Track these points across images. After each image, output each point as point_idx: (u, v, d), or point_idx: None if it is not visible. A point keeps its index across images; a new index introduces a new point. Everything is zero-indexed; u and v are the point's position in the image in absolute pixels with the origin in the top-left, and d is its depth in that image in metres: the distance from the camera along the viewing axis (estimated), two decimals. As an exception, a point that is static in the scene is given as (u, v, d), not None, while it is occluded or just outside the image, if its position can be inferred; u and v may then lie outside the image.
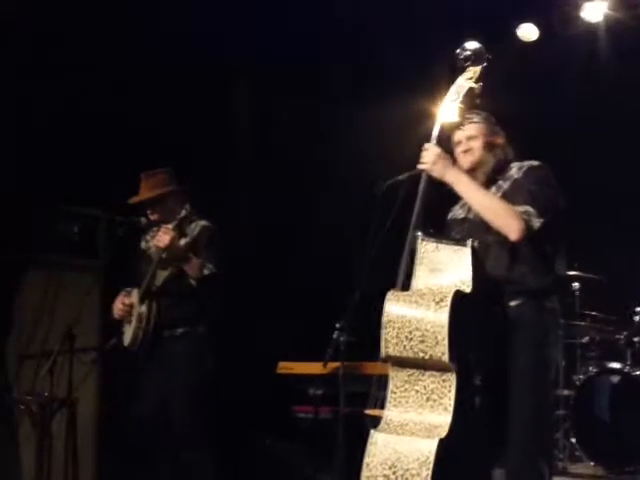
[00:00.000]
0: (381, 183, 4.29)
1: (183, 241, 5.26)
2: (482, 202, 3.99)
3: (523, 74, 6.94)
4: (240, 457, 6.66)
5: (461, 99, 4.00)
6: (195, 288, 5.22)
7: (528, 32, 7.29)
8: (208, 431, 5.35)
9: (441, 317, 3.64)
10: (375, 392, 4.01)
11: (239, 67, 7.46)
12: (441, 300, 3.68)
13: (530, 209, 3.92)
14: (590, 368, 6.48)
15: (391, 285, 3.97)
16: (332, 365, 6.22)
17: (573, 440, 6.22)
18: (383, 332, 3.74)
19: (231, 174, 7.33)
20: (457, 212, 4.26)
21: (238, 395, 6.85)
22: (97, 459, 6.56)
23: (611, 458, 6.03)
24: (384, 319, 3.74)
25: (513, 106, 5.65)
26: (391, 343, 3.72)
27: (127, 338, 5.38)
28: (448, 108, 4.02)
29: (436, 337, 3.64)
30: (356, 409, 6.10)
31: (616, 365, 6.35)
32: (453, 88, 4.04)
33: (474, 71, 4.02)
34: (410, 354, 3.68)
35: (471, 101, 4.03)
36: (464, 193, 4.03)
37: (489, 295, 3.94)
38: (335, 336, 4.71)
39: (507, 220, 3.91)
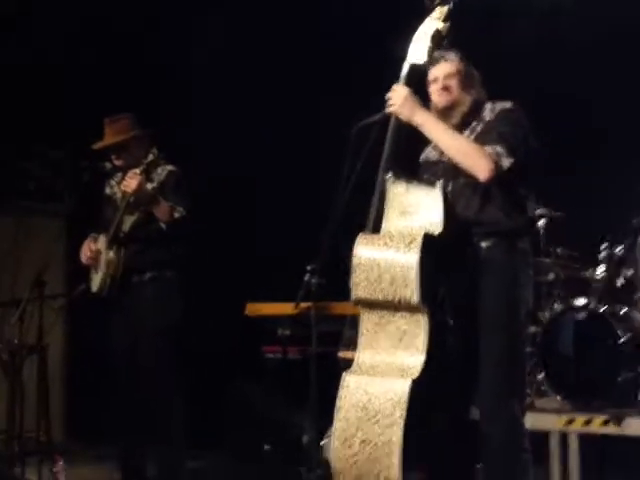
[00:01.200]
0: (354, 124, 4.24)
1: (150, 185, 5.23)
2: (450, 143, 3.98)
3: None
4: (209, 399, 6.70)
5: (429, 39, 3.97)
6: (164, 232, 5.20)
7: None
8: (177, 374, 5.37)
9: (410, 259, 3.65)
10: (347, 332, 4.03)
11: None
12: (410, 242, 3.68)
13: (499, 149, 3.91)
14: (555, 305, 6.51)
15: (362, 227, 4.00)
16: (301, 305, 6.29)
17: (540, 376, 6.27)
18: (353, 275, 3.74)
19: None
20: (430, 153, 4.25)
21: (207, 338, 6.87)
22: (66, 403, 6.58)
23: (577, 393, 6.07)
24: (354, 262, 3.74)
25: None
26: (361, 286, 3.73)
27: (95, 284, 5.38)
28: (416, 48, 3.99)
29: (405, 279, 3.64)
30: (327, 349, 6.22)
31: (581, 301, 6.39)
32: (421, 28, 4.01)
33: (441, 11, 3.98)
34: (380, 296, 3.70)
35: (439, 41, 3.99)
36: (432, 134, 4.02)
37: (460, 236, 3.94)
38: (306, 278, 4.70)
39: (476, 160, 3.91)
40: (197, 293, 5.83)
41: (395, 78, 4.05)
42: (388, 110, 4.01)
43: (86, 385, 6.55)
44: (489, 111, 4.08)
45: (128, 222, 5.33)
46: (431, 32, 3.97)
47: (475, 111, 4.10)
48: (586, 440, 5.73)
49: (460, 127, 4.09)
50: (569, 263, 6.69)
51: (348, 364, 3.88)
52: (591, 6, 6.49)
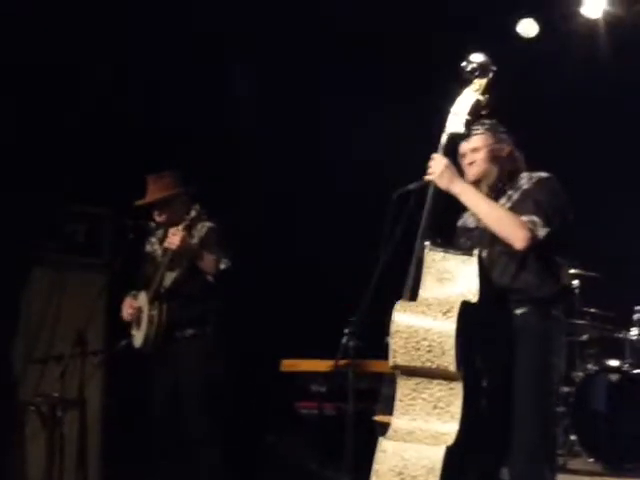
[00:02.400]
0: (393, 192, 4.34)
1: (193, 241, 5.34)
2: (487, 212, 4.06)
3: (523, 71, 6.97)
4: (244, 455, 6.74)
5: (467, 111, 4.06)
6: (211, 285, 5.31)
7: (528, 28, 7.35)
8: (218, 430, 5.43)
9: (448, 327, 3.71)
10: (384, 392, 4.09)
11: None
12: (448, 311, 3.75)
13: (536, 218, 3.99)
14: (589, 366, 6.56)
15: (400, 294, 4.06)
16: (338, 363, 6.35)
17: (572, 437, 6.30)
18: (391, 341, 3.81)
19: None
20: (468, 220, 4.32)
21: (243, 393, 6.93)
22: (103, 460, 6.64)
23: (610, 455, 6.11)
24: (392, 329, 3.81)
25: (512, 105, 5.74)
26: (399, 353, 3.79)
27: (139, 340, 5.48)
28: (455, 119, 4.08)
29: (443, 347, 3.71)
30: (363, 406, 6.26)
31: (615, 363, 6.43)
32: (459, 100, 4.10)
33: (480, 83, 4.07)
34: (417, 364, 3.76)
35: (477, 113, 4.09)
36: (470, 204, 4.10)
37: (495, 303, 4.01)
38: (344, 340, 4.78)
39: (512, 229, 3.99)
40: (233, 349, 5.89)
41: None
42: (427, 178, 4.10)
43: (124, 441, 6.61)
44: (526, 180, 4.16)
45: (169, 279, 5.44)
46: (470, 104, 4.06)
47: (509, 181, 4.18)
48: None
49: (495, 196, 4.17)
50: (603, 324, 6.73)
51: (384, 428, 3.94)
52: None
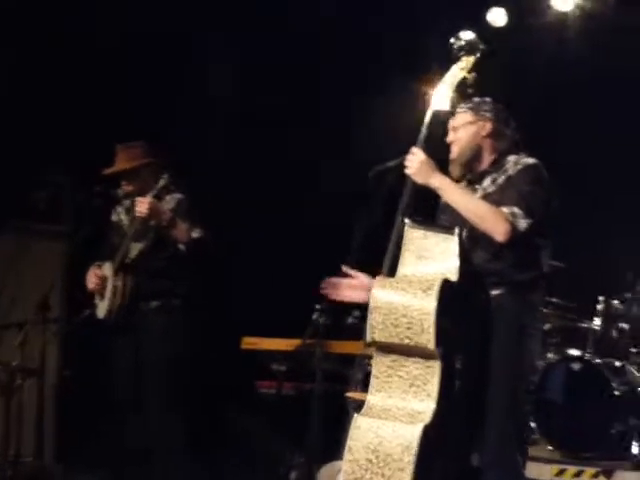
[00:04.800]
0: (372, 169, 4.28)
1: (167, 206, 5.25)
2: (466, 207, 4.00)
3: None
4: (204, 433, 6.67)
5: (454, 88, 4.01)
6: (173, 260, 5.23)
7: (497, 17, 7.33)
8: (179, 405, 5.37)
9: (428, 305, 3.67)
10: (356, 372, 4.04)
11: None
12: (428, 288, 3.70)
13: (517, 210, 3.94)
14: (550, 355, 6.56)
15: (378, 271, 4.01)
16: (295, 342, 6.30)
17: (532, 424, 6.30)
18: (370, 317, 3.75)
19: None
20: None
21: (202, 370, 6.85)
22: (58, 430, 6.54)
23: (569, 443, 6.12)
24: (371, 304, 3.75)
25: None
26: (377, 329, 3.73)
27: (102, 310, 5.37)
28: (440, 97, 4.03)
29: (422, 325, 3.66)
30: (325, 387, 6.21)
31: (577, 352, 6.44)
32: (446, 77, 4.05)
33: (467, 61, 4.03)
34: (396, 340, 3.70)
35: (464, 90, 4.04)
36: (448, 198, 4.05)
37: (472, 283, 3.97)
38: (315, 317, 4.72)
39: (492, 224, 3.94)
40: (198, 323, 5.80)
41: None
42: (406, 172, 4.04)
43: (79, 411, 6.51)
44: (512, 164, 4.10)
45: (135, 249, 5.34)
46: (456, 81, 4.02)
47: (496, 161, 4.14)
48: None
49: (479, 178, 4.14)
50: (566, 313, 6.74)
51: (356, 404, 3.90)
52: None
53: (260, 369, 6.60)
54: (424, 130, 4.07)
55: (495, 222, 3.93)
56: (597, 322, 6.49)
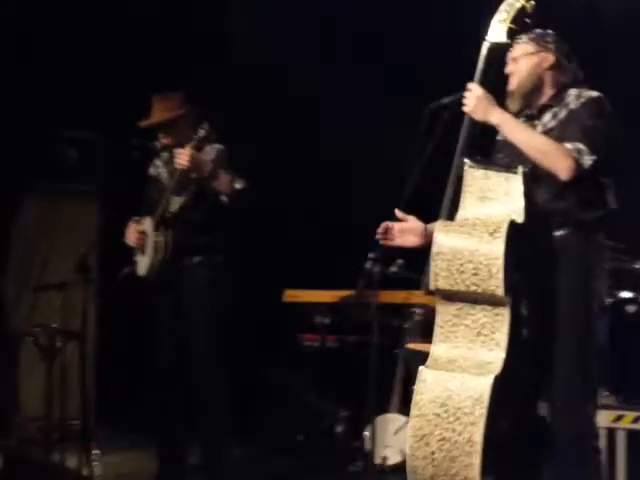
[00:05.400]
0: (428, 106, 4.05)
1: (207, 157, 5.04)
2: (529, 143, 3.77)
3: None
4: (245, 386, 6.54)
5: (511, 18, 3.77)
6: (214, 214, 5.07)
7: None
8: (222, 362, 5.24)
9: (495, 249, 3.47)
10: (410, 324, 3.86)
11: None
12: (495, 231, 3.50)
13: (581, 146, 3.71)
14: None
15: (433, 214, 3.83)
16: (339, 294, 6.15)
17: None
18: (433, 264, 3.56)
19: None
20: None
21: (245, 324, 6.71)
22: (99, 390, 6.44)
23: (625, 389, 5.93)
24: (434, 250, 3.56)
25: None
26: (441, 276, 3.54)
27: (143, 267, 5.21)
28: (497, 28, 3.80)
29: (490, 270, 3.46)
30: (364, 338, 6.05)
31: (630, 294, 6.23)
32: (502, 6, 3.81)
33: (531, -19, 3.77)
34: (461, 287, 3.51)
35: (522, 21, 3.79)
36: (509, 134, 3.82)
37: (536, 224, 3.75)
38: (368, 266, 4.50)
39: (556, 160, 3.71)
40: (238, 277, 5.63)
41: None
42: (464, 109, 3.82)
43: (122, 373, 6.39)
44: (574, 97, 3.86)
45: (176, 203, 5.15)
46: (514, 10, 3.77)
47: (557, 95, 3.91)
48: (634, 437, 5.58)
49: (539, 112, 3.91)
50: (616, 255, 6.52)
51: (418, 355, 3.73)
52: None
53: (304, 322, 6.48)
54: (481, 64, 3.83)
55: (559, 159, 3.71)
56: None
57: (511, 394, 3.57)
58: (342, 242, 6.56)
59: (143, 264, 5.21)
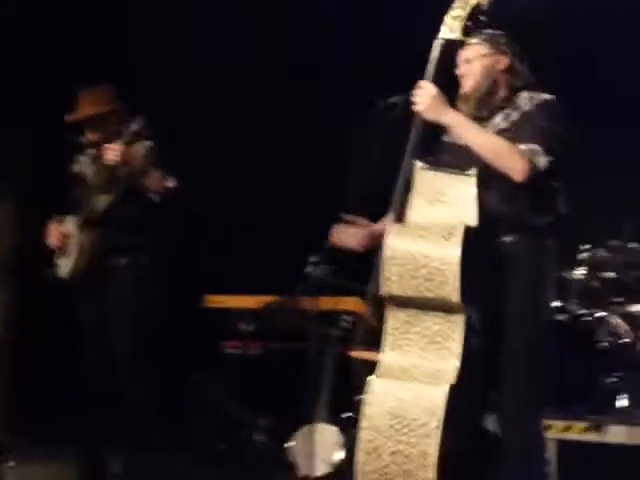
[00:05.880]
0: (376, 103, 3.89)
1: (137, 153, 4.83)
2: (483, 144, 3.65)
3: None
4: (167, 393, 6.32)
5: (465, 15, 3.64)
6: (143, 213, 4.86)
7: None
8: (147, 369, 5.06)
9: (451, 253, 3.35)
10: (360, 329, 3.70)
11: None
12: (450, 235, 3.37)
13: (536, 147, 3.62)
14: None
15: (380, 216, 3.70)
16: (264, 299, 5.98)
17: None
18: (384, 269, 3.41)
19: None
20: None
21: (171, 328, 6.50)
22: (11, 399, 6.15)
23: (555, 397, 5.87)
24: (386, 254, 3.41)
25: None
26: (393, 281, 3.40)
27: (65, 269, 4.97)
28: (451, 25, 3.66)
29: (445, 275, 3.33)
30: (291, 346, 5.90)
31: (559, 303, 6.18)
32: (457, 2, 3.66)
33: (482, -17, 3.64)
34: (414, 293, 3.38)
35: (477, 18, 3.66)
36: (462, 135, 3.70)
37: (487, 228, 3.62)
38: (309, 270, 4.34)
39: (510, 161, 3.60)
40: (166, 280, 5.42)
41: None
42: (415, 108, 3.68)
43: (40, 377, 6.12)
44: (527, 100, 3.76)
45: (103, 202, 4.91)
46: (469, 7, 3.64)
47: (509, 97, 3.80)
48: (564, 446, 5.53)
49: (489, 114, 3.79)
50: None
51: (362, 365, 3.57)
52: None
53: (227, 328, 6.29)
54: (433, 62, 3.69)
55: (513, 159, 3.60)
56: (580, 271, 6.22)
57: (462, 406, 3.43)
58: (273, 245, 6.39)
59: (66, 266, 4.98)
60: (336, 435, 5.29)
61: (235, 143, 6.70)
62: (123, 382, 4.95)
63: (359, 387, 3.59)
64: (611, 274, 6.16)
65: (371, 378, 3.41)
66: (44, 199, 5.32)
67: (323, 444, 5.46)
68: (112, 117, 4.91)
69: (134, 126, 4.70)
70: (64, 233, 4.98)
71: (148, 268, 5.00)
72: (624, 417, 5.59)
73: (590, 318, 5.91)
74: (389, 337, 3.45)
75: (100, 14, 6.45)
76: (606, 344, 5.80)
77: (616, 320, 6.05)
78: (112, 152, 4.66)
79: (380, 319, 3.55)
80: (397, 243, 3.42)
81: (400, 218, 3.59)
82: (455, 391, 3.36)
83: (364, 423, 3.35)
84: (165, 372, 6.12)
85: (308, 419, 5.56)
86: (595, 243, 6.21)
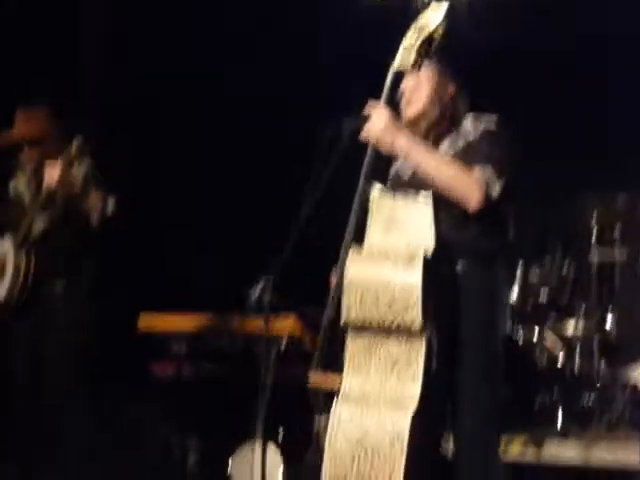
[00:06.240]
0: (325, 130, 3.84)
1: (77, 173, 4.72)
2: (438, 171, 3.62)
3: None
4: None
5: (419, 44, 3.61)
6: (81, 235, 4.76)
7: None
8: (84, 399, 5.02)
9: (411, 279, 3.33)
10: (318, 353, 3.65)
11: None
12: (410, 260, 3.36)
13: (488, 173, 3.60)
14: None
15: (331, 243, 3.67)
16: (198, 321, 5.89)
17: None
18: (345, 295, 3.39)
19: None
20: (402, 168, 3.90)
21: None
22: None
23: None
24: (347, 280, 3.39)
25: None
26: (353, 308, 3.38)
27: (1, 292, 4.82)
28: (405, 54, 3.62)
29: (407, 301, 3.31)
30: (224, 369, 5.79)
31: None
32: (410, 32, 3.62)
33: (439, 6, 3.62)
34: (375, 319, 3.36)
35: (428, 47, 3.63)
36: (418, 160, 3.66)
37: (440, 255, 3.62)
38: (258, 293, 4.25)
39: (466, 190, 3.59)
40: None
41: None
42: (368, 132, 3.65)
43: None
44: (472, 126, 3.77)
45: (40, 223, 4.80)
46: (423, 36, 3.62)
47: (452, 124, 3.80)
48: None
49: (434, 140, 3.78)
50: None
51: (320, 393, 3.54)
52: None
53: (159, 349, 6.17)
54: (386, 90, 3.67)
55: (469, 189, 3.58)
56: (514, 289, 6.26)
57: (423, 429, 3.41)
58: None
59: (1, 289, 4.83)
60: (275, 453, 5.24)
61: (167, 153, 6.61)
62: (57, 411, 4.84)
63: (316, 411, 3.58)
64: (545, 289, 6.23)
65: (335, 404, 3.37)
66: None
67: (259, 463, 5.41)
68: (49, 136, 4.81)
69: (76, 144, 4.60)
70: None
71: (85, 294, 4.91)
72: (564, 433, 5.63)
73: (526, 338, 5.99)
74: (350, 362, 3.43)
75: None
76: (542, 364, 5.89)
77: (551, 335, 6.13)
78: (52, 173, 4.57)
79: (338, 343, 3.53)
80: (357, 268, 3.40)
81: (357, 245, 3.57)
82: (416, 415, 3.35)
83: (328, 451, 3.31)
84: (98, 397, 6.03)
85: (245, 438, 5.50)
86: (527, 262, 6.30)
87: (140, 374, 6.15)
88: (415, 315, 3.31)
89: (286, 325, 5.42)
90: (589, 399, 5.95)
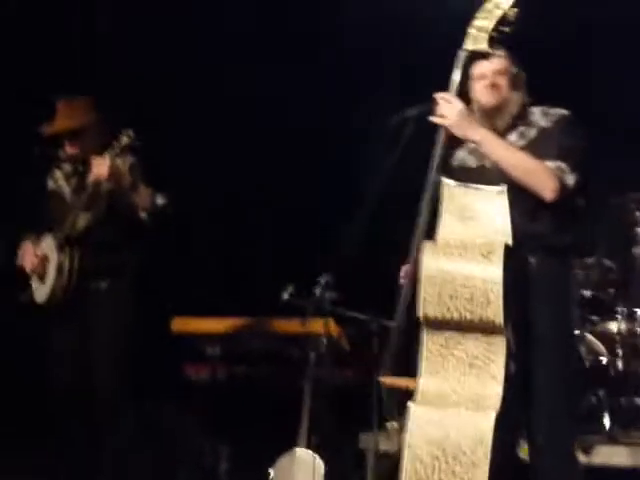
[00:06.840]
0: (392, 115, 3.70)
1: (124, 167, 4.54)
2: (512, 162, 3.51)
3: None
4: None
5: (492, 26, 3.48)
6: (125, 233, 4.61)
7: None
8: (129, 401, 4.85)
9: (493, 273, 3.18)
10: (388, 354, 3.51)
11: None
12: (489, 253, 3.21)
13: (562, 165, 3.50)
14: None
15: (399, 237, 3.54)
16: (232, 323, 5.76)
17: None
18: (421, 289, 3.23)
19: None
20: (466, 158, 3.76)
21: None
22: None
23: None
24: (422, 274, 3.24)
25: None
26: (430, 302, 3.22)
27: (42, 293, 4.66)
28: (476, 36, 3.50)
29: (487, 296, 3.17)
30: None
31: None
32: (481, 13, 3.48)
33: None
34: (454, 315, 3.21)
35: (502, 29, 3.49)
36: (491, 152, 3.55)
37: (514, 248, 3.47)
38: (318, 292, 4.12)
39: (541, 179, 3.48)
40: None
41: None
42: (439, 122, 3.52)
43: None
44: (541, 116, 3.64)
45: (83, 220, 4.61)
46: (496, 17, 3.48)
47: (519, 116, 3.66)
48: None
49: (506, 130, 3.65)
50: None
51: (395, 392, 3.39)
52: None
53: (193, 352, 6.04)
54: (457, 74, 3.53)
55: (544, 178, 3.48)
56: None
57: (502, 433, 3.25)
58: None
59: (43, 290, 4.67)
60: (317, 462, 5.08)
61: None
62: (102, 413, 4.67)
63: (388, 415, 3.44)
64: (587, 292, 6.09)
65: (410, 405, 3.22)
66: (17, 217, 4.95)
67: (304, 472, 5.25)
68: (92, 129, 4.64)
69: (125, 138, 4.41)
70: (40, 254, 4.69)
71: (128, 291, 4.74)
72: (611, 436, 5.47)
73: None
74: (426, 362, 3.28)
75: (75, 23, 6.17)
76: (589, 363, 5.73)
77: (592, 338, 5.98)
78: (100, 166, 4.38)
79: (409, 346, 3.39)
80: (432, 262, 3.25)
81: (429, 237, 3.42)
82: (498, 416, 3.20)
83: (407, 453, 3.16)
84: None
85: (287, 446, 5.36)
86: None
87: (174, 376, 6.05)
88: (496, 310, 3.18)
89: (320, 325, 5.28)
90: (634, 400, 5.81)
